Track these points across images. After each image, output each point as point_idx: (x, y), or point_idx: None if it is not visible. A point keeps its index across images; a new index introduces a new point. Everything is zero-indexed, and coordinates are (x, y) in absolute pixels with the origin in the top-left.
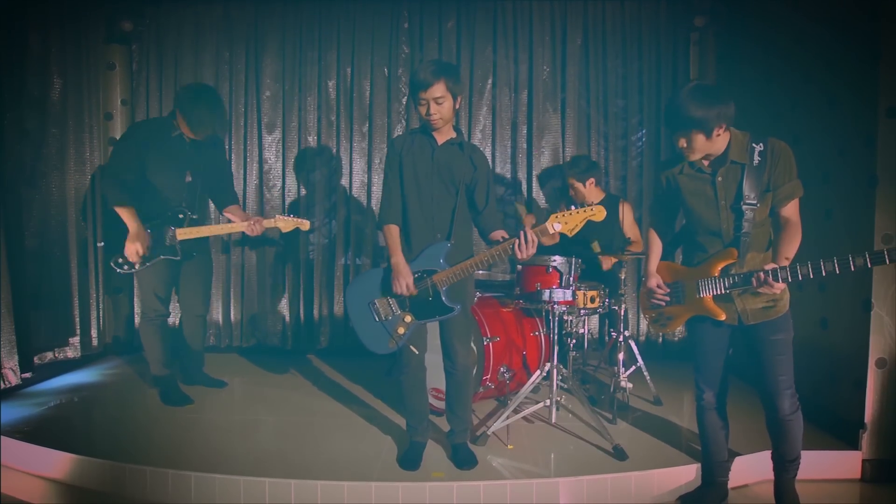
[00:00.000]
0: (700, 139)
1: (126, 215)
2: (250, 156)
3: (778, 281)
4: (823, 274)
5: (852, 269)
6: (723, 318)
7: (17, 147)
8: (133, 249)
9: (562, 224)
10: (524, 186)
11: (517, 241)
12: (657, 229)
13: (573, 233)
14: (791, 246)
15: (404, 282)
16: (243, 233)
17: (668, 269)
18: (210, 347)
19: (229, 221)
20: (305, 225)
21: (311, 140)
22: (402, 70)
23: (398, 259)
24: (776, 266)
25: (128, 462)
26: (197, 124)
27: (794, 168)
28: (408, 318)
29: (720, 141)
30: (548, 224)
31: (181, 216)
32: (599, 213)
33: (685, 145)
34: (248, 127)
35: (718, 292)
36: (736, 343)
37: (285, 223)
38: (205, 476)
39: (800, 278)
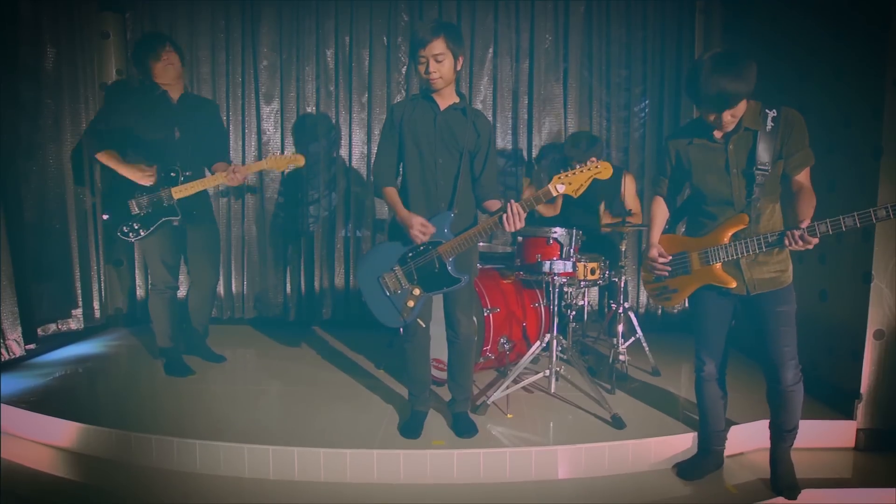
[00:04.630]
0: (730, 112)
1: (108, 159)
2: (248, 127)
3: (816, 236)
4: (843, 229)
5: (873, 221)
6: (733, 285)
7: (12, 118)
8: (140, 177)
9: (566, 185)
10: (525, 157)
11: (504, 213)
12: (660, 194)
13: (578, 193)
14: (809, 208)
15: (417, 228)
16: (244, 204)
17: (671, 241)
18: (212, 319)
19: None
20: (300, 160)
21: (310, 111)
22: (402, 39)
23: (403, 213)
24: (808, 223)
25: (134, 431)
26: (148, 51)
27: (806, 136)
28: (416, 291)
29: (743, 106)
30: (551, 186)
31: (173, 174)
32: (606, 171)
33: (714, 118)
34: (245, 97)
35: (733, 258)
36: (738, 315)
37: (277, 162)
38: (209, 444)
39: (830, 231)
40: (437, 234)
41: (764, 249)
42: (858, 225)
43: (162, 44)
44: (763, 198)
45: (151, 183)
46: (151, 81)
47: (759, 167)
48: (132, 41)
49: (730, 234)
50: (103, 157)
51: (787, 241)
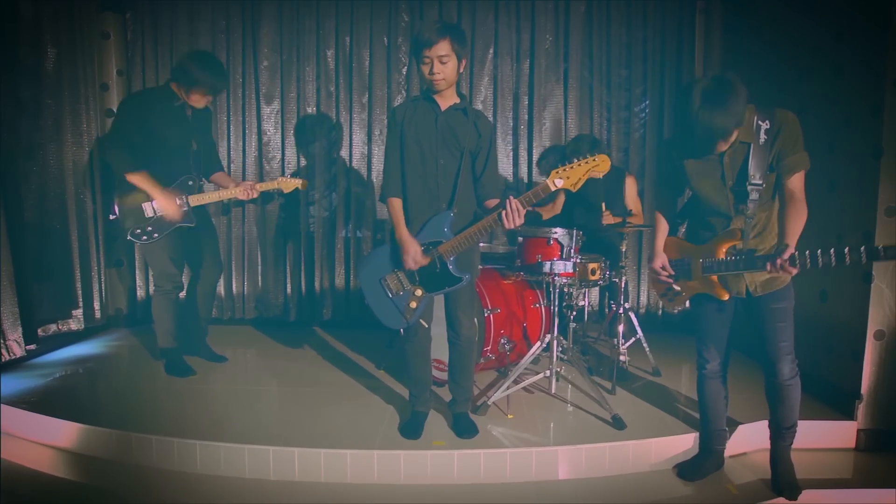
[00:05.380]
0: (722, 141)
1: (141, 180)
2: (249, 127)
3: (795, 266)
4: (820, 265)
5: (847, 262)
6: (725, 297)
7: (12, 118)
8: (172, 208)
9: (563, 179)
10: (525, 158)
11: (503, 210)
12: (661, 208)
13: (576, 187)
14: (797, 223)
15: (411, 256)
16: (244, 204)
17: (675, 246)
18: (213, 319)
19: (217, 188)
20: (304, 185)
21: (311, 111)
22: (402, 39)
23: (402, 233)
24: (791, 251)
25: (134, 431)
26: (213, 88)
27: (800, 139)
28: (418, 292)
29: (735, 133)
30: (549, 181)
31: (191, 183)
32: (603, 164)
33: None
34: (246, 98)
35: (724, 272)
36: (738, 313)
37: (287, 184)
38: (210, 444)
39: (808, 266)
40: (438, 234)
41: (748, 268)
42: (834, 263)
43: (224, 86)
44: (758, 212)
45: (178, 218)
46: (169, 90)
47: (752, 183)
48: (132, 42)
49: (725, 248)
50: (137, 179)
51: (768, 267)
